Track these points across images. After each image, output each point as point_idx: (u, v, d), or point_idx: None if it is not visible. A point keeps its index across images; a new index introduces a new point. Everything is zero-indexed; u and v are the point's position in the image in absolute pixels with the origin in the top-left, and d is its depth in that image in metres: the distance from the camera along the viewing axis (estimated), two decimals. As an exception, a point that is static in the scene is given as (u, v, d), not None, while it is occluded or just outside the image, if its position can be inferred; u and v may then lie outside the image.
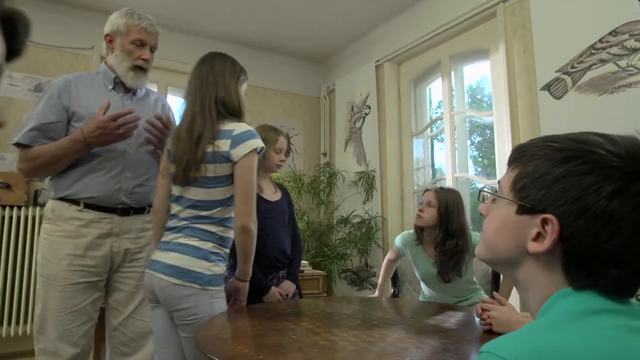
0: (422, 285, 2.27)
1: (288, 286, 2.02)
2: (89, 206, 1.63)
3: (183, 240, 1.45)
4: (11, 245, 3.18)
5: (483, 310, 1.35)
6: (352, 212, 4.07)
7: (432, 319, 1.50)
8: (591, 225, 0.56)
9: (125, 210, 1.68)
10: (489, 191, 0.75)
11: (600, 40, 2.33)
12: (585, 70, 2.39)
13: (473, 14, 3.14)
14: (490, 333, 1.26)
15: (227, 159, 1.44)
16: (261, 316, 1.48)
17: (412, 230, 2.24)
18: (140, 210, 1.74)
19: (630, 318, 0.54)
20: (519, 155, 0.67)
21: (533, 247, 0.61)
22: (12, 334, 3.15)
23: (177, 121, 1.58)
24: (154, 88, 4.17)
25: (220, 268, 1.48)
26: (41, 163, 1.58)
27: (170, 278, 1.39)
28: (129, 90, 1.78)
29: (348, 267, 4.11)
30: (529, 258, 0.62)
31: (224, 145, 1.44)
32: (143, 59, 1.73)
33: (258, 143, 1.47)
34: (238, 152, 1.43)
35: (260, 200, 1.90)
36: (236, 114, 1.51)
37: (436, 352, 1.08)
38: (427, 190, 2.20)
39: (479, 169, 3.70)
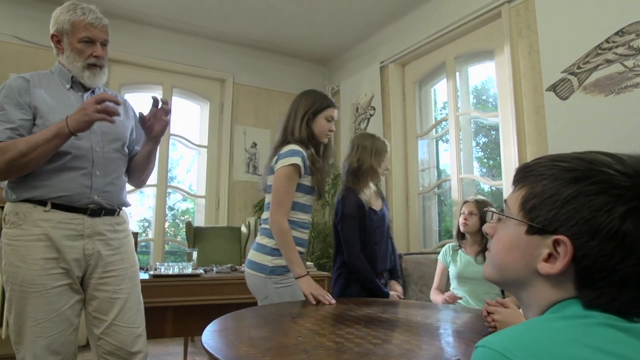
0: (453, 285, 2.42)
1: (398, 287, 2.26)
2: (57, 206, 1.53)
3: (258, 239, 1.90)
4: None
5: (488, 312, 1.35)
6: (357, 214, 4.06)
7: (438, 320, 1.50)
8: (605, 246, 0.55)
9: (96, 211, 1.60)
10: (496, 211, 0.75)
11: (607, 40, 2.32)
12: (592, 70, 2.38)
13: (478, 15, 3.14)
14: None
15: (273, 171, 1.85)
16: (267, 317, 1.48)
17: (449, 245, 2.51)
18: (110, 211, 1.66)
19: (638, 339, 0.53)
20: (525, 174, 0.66)
21: (545, 268, 0.60)
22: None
23: None
24: (158, 90, 4.20)
25: (282, 261, 1.79)
26: (16, 154, 1.44)
27: (249, 270, 1.85)
28: (87, 89, 1.70)
29: (353, 268, 4.10)
30: (539, 278, 0.62)
31: (274, 161, 1.86)
32: (95, 56, 1.63)
33: (294, 160, 1.80)
34: (277, 165, 1.82)
35: (371, 212, 2.17)
36: (299, 140, 1.88)
37: (442, 354, 1.08)
38: (466, 201, 2.44)
39: (484, 170, 3.69)
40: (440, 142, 3.91)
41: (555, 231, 0.59)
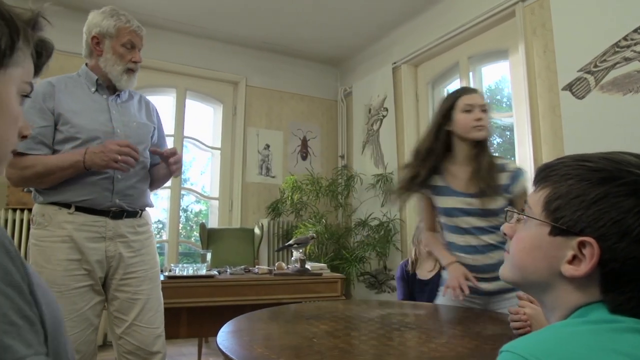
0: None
1: None
2: (81, 209, 1.58)
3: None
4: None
5: (519, 307, 1.25)
6: (370, 215, 4.06)
7: (454, 322, 1.49)
8: (634, 248, 0.54)
9: (118, 214, 1.64)
10: (518, 211, 0.72)
11: (625, 38, 2.28)
12: (609, 69, 2.34)
13: (491, 14, 3.11)
14: (518, 336, 1.23)
15: (502, 190, 1.66)
16: (281, 319, 1.49)
17: None
18: (132, 213, 1.69)
19: None
20: (548, 174, 0.64)
21: (569, 270, 0.59)
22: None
23: None
24: (172, 92, 4.24)
25: None
26: (32, 174, 1.52)
27: None
28: (113, 92, 1.74)
29: (366, 270, 4.09)
30: (562, 281, 0.60)
31: (510, 179, 1.65)
32: (134, 62, 1.72)
33: None
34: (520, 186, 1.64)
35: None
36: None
37: (459, 357, 1.07)
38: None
39: (499, 171, 3.64)
40: (453, 143, 3.88)
41: (580, 232, 0.58)
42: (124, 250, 1.64)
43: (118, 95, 1.76)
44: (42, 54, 0.65)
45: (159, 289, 1.75)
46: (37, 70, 0.66)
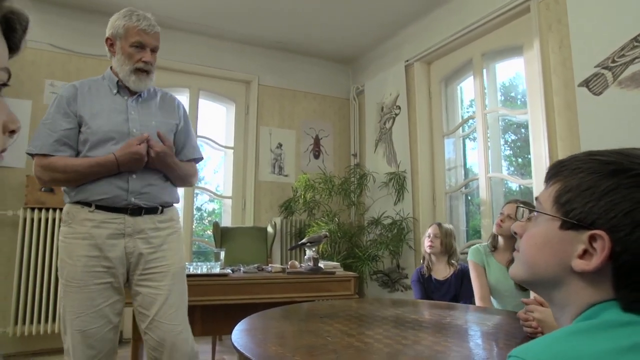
0: (492, 299, 2.28)
1: None
2: (100, 207, 1.63)
3: None
4: (54, 246, 3.31)
5: (527, 312, 1.26)
6: (383, 213, 4.04)
7: (469, 322, 1.48)
8: None
9: (136, 210, 1.66)
10: (528, 207, 0.71)
11: (643, 33, 2.23)
12: (628, 64, 2.29)
13: (505, 11, 3.07)
14: (532, 338, 1.22)
15: None
16: (294, 317, 1.49)
17: (479, 245, 2.37)
18: (152, 210, 1.71)
19: None
20: (559, 169, 0.64)
21: (580, 265, 0.57)
22: (49, 331, 3.28)
23: None
24: (185, 93, 4.27)
25: None
26: (62, 177, 1.62)
27: None
28: (134, 94, 1.77)
29: (379, 268, 4.08)
30: (573, 276, 0.59)
31: None
32: (144, 61, 1.71)
33: None
34: None
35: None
36: None
37: (473, 357, 1.06)
38: (509, 202, 2.32)
39: (512, 169, 3.60)
40: (467, 141, 3.85)
41: (591, 225, 0.57)
42: (143, 246, 1.66)
43: (140, 96, 1.78)
44: (15, 28, 0.53)
45: (182, 285, 1.73)
46: (14, 48, 0.54)
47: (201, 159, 1.95)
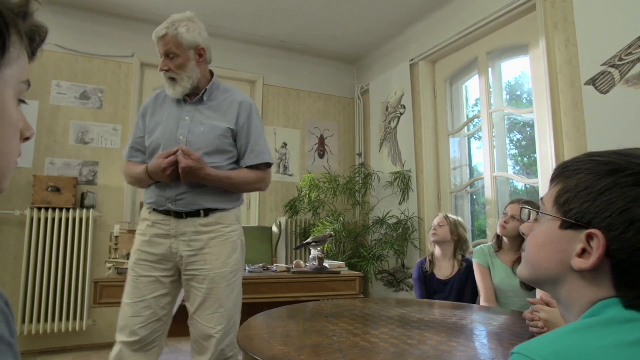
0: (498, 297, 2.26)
1: None
2: (154, 210, 1.79)
3: None
4: (61, 245, 3.34)
5: (533, 312, 1.26)
6: (388, 213, 4.04)
7: (474, 321, 1.47)
8: None
9: (179, 214, 1.75)
10: (532, 209, 0.74)
11: (651, 31, 2.21)
12: (635, 62, 2.28)
13: (511, 9, 3.06)
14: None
15: None
16: (299, 317, 1.49)
17: (484, 245, 2.35)
18: (194, 214, 1.74)
19: None
20: (562, 171, 0.66)
21: (578, 263, 0.59)
22: (56, 330, 3.31)
23: None
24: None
25: None
26: (129, 180, 1.91)
27: None
28: (196, 95, 1.83)
29: (384, 268, 4.07)
30: (574, 275, 0.60)
31: None
32: (161, 71, 1.78)
33: None
34: None
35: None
36: None
37: (479, 356, 1.06)
38: (512, 202, 2.29)
39: (518, 168, 3.59)
40: (472, 140, 3.83)
41: (588, 224, 0.58)
42: (184, 248, 1.74)
43: (202, 99, 1.83)
44: (34, 39, 0.56)
45: (223, 290, 1.70)
46: (30, 56, 0.57)
47: (266, 164, 1.87)
